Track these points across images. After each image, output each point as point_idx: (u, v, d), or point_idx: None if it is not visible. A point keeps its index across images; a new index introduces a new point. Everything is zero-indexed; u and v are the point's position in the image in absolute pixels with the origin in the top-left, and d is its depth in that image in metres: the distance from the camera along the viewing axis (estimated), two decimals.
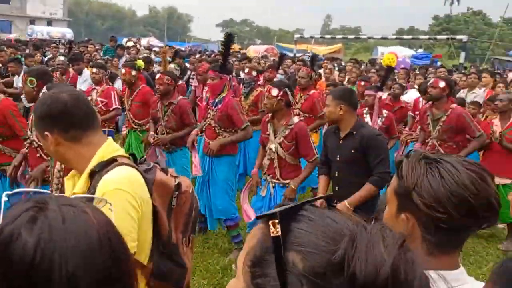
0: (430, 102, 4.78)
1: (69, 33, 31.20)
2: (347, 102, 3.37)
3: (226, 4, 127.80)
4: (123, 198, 1.50)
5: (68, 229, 0.71)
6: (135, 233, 1.52)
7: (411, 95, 7.13)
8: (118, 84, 7.22)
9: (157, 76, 4.86)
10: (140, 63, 6.17)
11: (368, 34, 25.02)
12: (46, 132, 1.59)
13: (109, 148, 1.64)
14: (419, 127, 5.35)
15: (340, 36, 25.18)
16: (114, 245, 0.75)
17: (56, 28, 35.05)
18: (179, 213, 1.78)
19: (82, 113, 1.63)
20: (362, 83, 6.49)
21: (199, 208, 2.06)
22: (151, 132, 4.89)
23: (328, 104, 3.44)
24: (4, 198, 0.78)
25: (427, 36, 27.51)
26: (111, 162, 1.58)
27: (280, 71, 9.94)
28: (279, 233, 0.61)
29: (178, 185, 1.76)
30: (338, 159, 3.46)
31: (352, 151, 3.35)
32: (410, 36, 28.39)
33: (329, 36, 25.04)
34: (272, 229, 0.62)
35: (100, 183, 1.52)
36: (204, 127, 4.54)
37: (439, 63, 16.22)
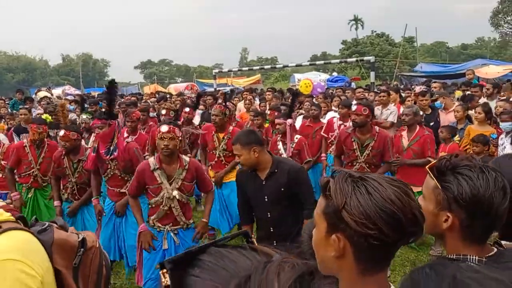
0: (352, 128, 4.83)
1: None
2: (257, 143, 3.30)
3: (142, 46, 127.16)
4: (15, 269, 1.25)
5: None
6: None
7: (328, 117, 7.32)
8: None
9: (61, 133, 4.62)
10: (48, 117, 5.84)
11: (284, 63, 25.85)
12: None
13: None
14: (332, 146, 5.50)
15: (257, 67, 25.71)
16: None
17: None
18: (86, 272, 1.58)
19: None
20: (276, 113, 6.50)
21: (109, 264, 1.87)
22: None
23: (239, 153, 3.28)
24: None
25: (338, 60, 28.91)
26: None
27: (201, 106, 9.95)
28: (168, 283, 0.62)
29: (83, 241, 1.55)
30: (266, 200, 3.37)
31: (282, 189, 3.30)
32: (322, 61, 29.82)
33: (246, 68, 25.41)
34: (162, 279, 0.62)
35: None
36: (108, 177, 4.47)
37: (353, 84, 17.07)
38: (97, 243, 1.65)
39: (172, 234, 3.73)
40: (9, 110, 10.97)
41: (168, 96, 13.24)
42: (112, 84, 4.21)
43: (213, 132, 5.53)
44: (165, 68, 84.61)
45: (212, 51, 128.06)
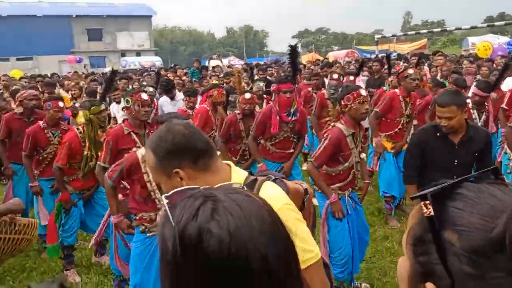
0: None
1: (158, 61, 33.23)
2: (465, 105, 3.24)
3: (300, 16, 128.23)
4: (292, 210, 1.47)
5: (247, 214, 0.73)
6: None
7: (508, 84, 6.43)
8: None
9: (247, 95, 4.90)
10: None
11: (455, 26, 23.50)
12: (175, 170, 1.47)
13: (237, 169, 1.60)
14: None
15: (425, 31, 23.92)
16: (279, 220, 0.77)
17: (146, 57, 37.52)
18: (306, 215, 1.75)
19: (203, 140, 1.54)
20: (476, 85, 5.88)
21: None
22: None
23: (453, 114, 3.11)
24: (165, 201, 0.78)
25: None
26: (253, 182, 1.51)
27: (365, 73, 9.70)
28: (432, 214, 0.64)
29: (306, 190, 1.75)
30: (456, 164, 3.26)
31: (476, 154, 3.24)
32: (503, 22, 26.26)
33: (412, 32, 23.93)
34: (424, 209, 0.64)
35: None
36: (277, 140, 4.71)
37: None
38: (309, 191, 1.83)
39: (350, 199, 3.76)
40: (190, 78, 12.21)
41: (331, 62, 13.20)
42: (294, 49, 4.37)
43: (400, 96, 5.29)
44: (322, 36, 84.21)
45: (371, 17, 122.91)
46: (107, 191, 3.38)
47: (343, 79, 6.72)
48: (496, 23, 24.78)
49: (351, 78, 6.81)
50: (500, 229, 0.58)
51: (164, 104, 7.18)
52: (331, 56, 24.25)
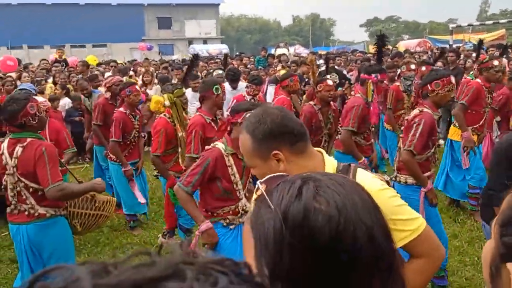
0: None
1: (225, 49, 33.68)
2: None
3: (370, 3, 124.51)
4: (388, 195, 1.43)
5: (348, 190, 0.74)
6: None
7: None
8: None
9: (330, 82, 4.80)
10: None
11: None
12: (275, 152, 1.46)
13: (329, 157, 1.59)
14: None
15: (505, 20, 22.38)
16: (372, 198, 0.79)
17: (213, 45, 38.18)
18: None
19: (299, 123, 1.54)
20: None
21: None
22: None
23: None
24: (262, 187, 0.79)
25: None
26: (347, 168, 1.51)
27: (439, 63, 9.25)
28: None
29: (387, 182, 1.69)
30: None
31: None
32: None
33: (490, 22, 22.42)
34: None
35: None
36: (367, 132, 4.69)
37: None
38: None
39: None
40: (255, 66, 12.27)
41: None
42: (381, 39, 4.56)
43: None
44: (392, 25, 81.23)
45: (445, 5, 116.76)
46: (185, 200, 2.94)
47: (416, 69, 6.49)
48: None
49: (423, 68, 6.55)
50: None
51: (225, 92, 7.12)
52: (402, 46, 23.36)
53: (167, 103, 4.35)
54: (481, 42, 8.11)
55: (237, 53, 23.37)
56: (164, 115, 4.42)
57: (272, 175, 0.82)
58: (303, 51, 27.13)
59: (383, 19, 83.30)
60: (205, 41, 46.10)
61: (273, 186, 0.77)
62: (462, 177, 5.22)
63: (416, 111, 3.58)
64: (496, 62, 4.97)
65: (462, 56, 10.01)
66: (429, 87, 3.52)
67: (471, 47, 14.01)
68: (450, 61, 8.43)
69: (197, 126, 3.75)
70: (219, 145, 2.99)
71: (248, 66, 11.96)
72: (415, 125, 3.47)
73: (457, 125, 5.17)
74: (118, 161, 4.99)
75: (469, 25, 21.67)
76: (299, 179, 0.75)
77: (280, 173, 0.83)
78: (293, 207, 0.71)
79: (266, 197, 0.74)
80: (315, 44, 53.95)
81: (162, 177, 4.51)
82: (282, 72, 8.09)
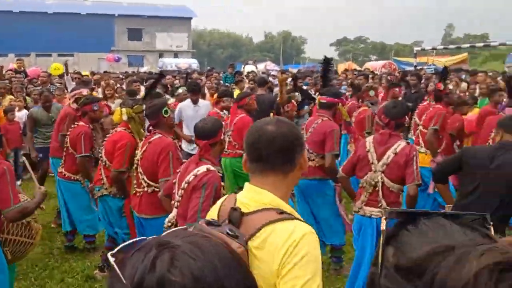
0: None
1: (194, 63, 33.63)
2: None
3: (340, 23, 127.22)
4: (316, 239, 1.54)
5: (207, 254, 0.69)
6: None
7: None
8: None
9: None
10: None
11: (497, 41, 22.68)
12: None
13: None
14: None
15: (467, 45, 23.22)
16: (238, 256, 0.75)
17: (183, 59, 38.04)
18: None
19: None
20: None
21: None
22: None
23: None
24: None
25: None
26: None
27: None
28: (384, 228, 0.69)
29: None
30: None
31: None
32: None
33: (453, 46, 23.27)
34: (382, 225, 0.70)
35: None
36: None
37: None
38: None
39: None
40: (223, 82, 12.22)
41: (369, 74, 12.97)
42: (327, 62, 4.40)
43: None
44: (361, 45, 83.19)
45: (412, 27, 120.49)
46: None
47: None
48: None
49: (396, 90, 6.74)
50: (422, 254, 0.60)
51: (185, 108, 6.79)
52: (369, 66, 23.90)
53: (124, 117, 4.22)
54: (445, 69, 8.34)
55: (208, 68, 23.35)
56: (124, 129, 4.25)
57: (125, 243, 0.74)
58: (274, 68, 27.36)
59: (352, 39, 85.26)
60: (176, 54, 45.88)
61: (128, 255, 0.70)
62: (432, 200, 5.31)
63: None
64: (451, 86, 5.14)
65: (423, 79, 10.25)
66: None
67: (432, 71, 14.40)
68: (412, 84, 8.61)
69: (172, 147, 3.56)
70: (212, 167, 2.84)
71: (215, 82, 11.89)
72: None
73: (427, 152, 5.25)
74: (77, 179, 4.81)
75: (433, 48, 22.36)
76: (154, 247, 0.68)
77: (136, 239, 0.74)
78: (147, 280, 0.64)
79: (118, 270, 0.67)
80: (286, 61, 54.51)
81: (120, 198, 4.29)
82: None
